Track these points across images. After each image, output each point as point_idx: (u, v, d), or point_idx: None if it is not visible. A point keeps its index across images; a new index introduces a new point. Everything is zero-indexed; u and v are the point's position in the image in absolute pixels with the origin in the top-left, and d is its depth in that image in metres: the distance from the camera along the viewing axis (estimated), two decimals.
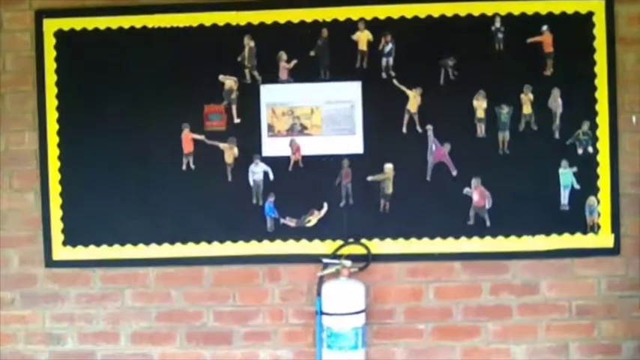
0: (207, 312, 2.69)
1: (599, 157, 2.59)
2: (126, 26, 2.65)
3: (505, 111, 2.59)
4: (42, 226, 2.68)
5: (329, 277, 2.57)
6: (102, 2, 2.66)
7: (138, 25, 2.64)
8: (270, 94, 2.64)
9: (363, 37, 2.60)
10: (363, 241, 2.61)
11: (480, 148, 2.60)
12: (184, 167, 2.64)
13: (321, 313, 2.53)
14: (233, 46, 2.62)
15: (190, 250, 2.65)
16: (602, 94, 2.57)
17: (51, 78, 2.66)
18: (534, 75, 2.58)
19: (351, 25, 2.61)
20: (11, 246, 2.71)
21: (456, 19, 2.58)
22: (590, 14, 2.57)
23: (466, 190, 2.60)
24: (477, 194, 2.60)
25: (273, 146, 2.64)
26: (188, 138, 2.64)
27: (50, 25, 2.66)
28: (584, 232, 2.59)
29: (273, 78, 2.63)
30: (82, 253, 2.67)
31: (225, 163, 2.63)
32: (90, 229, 2.66)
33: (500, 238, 2.60)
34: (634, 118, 2.59)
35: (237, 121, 2.64)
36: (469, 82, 2.59)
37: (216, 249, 2.64)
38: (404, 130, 2.61)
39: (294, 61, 2.61)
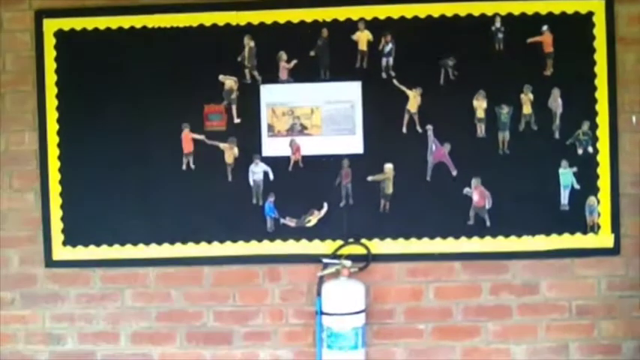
0: (207, 312, 2.69)
1: (599, 157, 2.59)
2: (126, 26, 2.65)
3: (505, 111, 2.59)
4: (42, 226, 2.68)
5: (329, 277, 2.57)
6: (102, 2, 2.66)
7: (138, 25, 2.64)
8: (270, 94, 2.64)
9: (363, 37, 2.60)
10: (363, 241, 2.61)
11: (480, 148, 2.60)
12: (184, 167, 2.64)
13: (321, 313, 2.53)
14: (233, 46, 2.62)
15: (190, 250, 2.65)
16: (602, 94, 2.57)
17: (51, 78, 2.66)
18: (534, 75, 2.59)
19: (351, 25, 2.61)
20: (11, 246, 2.71)
21: (456, 19, 2.58)
22: (590, 14, 2.57)
23: (466, 190, 2.60)
24: (477, 194, 2.60)
25: (273, 146, 2.64)
26: (188, 138, 2.64)
27: (50, 25, 2.66)
28: (584, 232, 2.59)
29: (273, 78, 2.63)
30: (82, 253, 2.67)
31: (226, 163, 2.63)
32: (90, 229, 2.66)
33: (500, 238, 2.60)
34: (634, 118, 2.59)
35: (237, 121, 2.64)
36: (469, 82, 2.59)
37: (216, 249, 2.65)
38: (404, 130, 2.61)
39: (294, 61, 2.61)
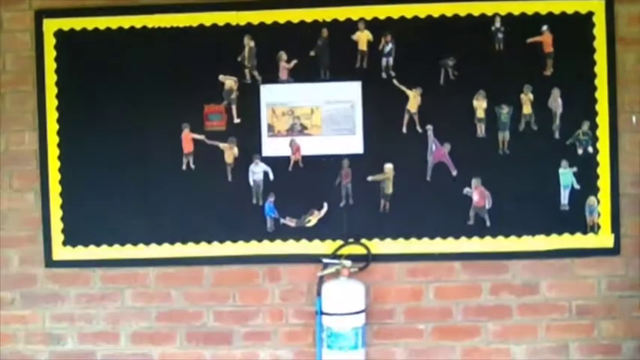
0: (207, 312, 2.69)
1: (599, 157, 2.59)
2: (126, 26, 2.65)
3: (505, 111, 2.59)
4: (42, 226, 2.68)
5: (329, 277, 2.57)
6: (102, 2, 2.66)
7: (138, 25, 2.64)
8: (270, 94, 2.64)
9: (363, 37, 2.60)
10: (363, 241, 2.61)
11: (480, 148, 2.60)
12: (184, 167, 2.64)
13: (321, 313, 2.53)
14: (233, 46, 2.62)
15: (190, 250, 2.65)
16: (602, 94, 2.57)
17: (51, 78, 2.66)
18: (534, 75, 2.59)
19: (351, 25, 2.61)
20: (11, 246, 2.71)
21: (456, 19, 2.58)
22: (590, 14, 2.57)
23: (466, 190, 2.60)
24: (477, 194, 2.60)
25: (273, 146, 2.64)
26: (188, 138, 2.64)
27: (50, 25, 2.66)
28: (584, 232, 2.59)
29: (273, 78, 2.63)
30: (82, 253, 2.67)
31: (225, 163, 2.63)
32: (90, 229, 2.66)
33: (500, 238, 2.60)
34: (634, 118, 2.59)
35: (237, 121, 2.64)
36: (469, 82, 2.59)
37: (216, 249, 2.64)
38: (404, 130, 2.61)
39: (294, 61, 2.61)
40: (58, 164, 2.66)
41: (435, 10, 2.59)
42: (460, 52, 2.58)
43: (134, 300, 2.70)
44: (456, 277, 2.64)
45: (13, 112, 2.69)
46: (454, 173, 2.60)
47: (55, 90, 2.66)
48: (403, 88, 2.60)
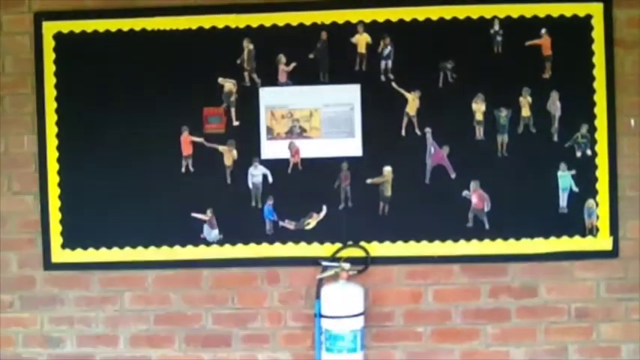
0: (205, 315, 2.68)
1: (597, 160, 2.59)
2: (125, 29, 2.65)
3: (504, 114, 2.60)
4: (41, 229, 2.67)
5: (328, 279, 2.57)
6: (101, 5, 2.66)
7: (137, 28, 2.64)
8: (270, 97, 2.64)
9: (362, 40, 2.60)
10: (362, 243, 2.61)
11: (478, 150, 2.60)
12: (183, 170, 2.64)
13: (320, 315, 2.53)
14: (232, 48, 2.62)
15: (189, 252, 2.65)
16: (600, 97, 2.58)
17: (50, 81, 2.66)
18: (533, 78, 2.59)
19: (350, 28, 2.61)
20: (10, 249, 2.70)
21: (454, 22, 2.59)
22: (589, 17, 2.58)
23: (465, 192, 2.61)
24: (476, 197, 2.60)
25: (272, 149, 2.64)
26: (187, 140, 2.64)
27: (49, 28, 2.66)
28: (583, 235, 2.59)
29: (272, 81, 2.63)
30: (80, 255, 2.67)
31: (225, 166, 2.63)
32: (89, 231, 2.66)
33: (499, 240, 2.61)
34: (632, 121, 2.60)
35: (236, 123, 2.64)
36: (468, 85, 2.59)
37: (214, 252, 2.64)
38: (403, 132, 2.61)
39: (293, 64, 2.62)
40: (57, 167, 2.66)
41: (434, 13, 2.59)
42: (459, 55, 2.59)
43: (133, 303, 2.69)
44: (455, 280, 2.64)
45: (12, 114, 2.69)
46: (453, 176, 2.61)
47: (55, 93, 2.66)
48: (402, 90, 2.60)
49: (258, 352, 2.68)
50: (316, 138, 2.63)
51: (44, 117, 2.66)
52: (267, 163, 2.63)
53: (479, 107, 2.60)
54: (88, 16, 2.65)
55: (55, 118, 2.66)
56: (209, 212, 2.62)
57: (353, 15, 2.61)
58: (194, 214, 2.63)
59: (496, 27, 2.58)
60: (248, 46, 2.63)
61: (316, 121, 2.64)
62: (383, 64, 2.61)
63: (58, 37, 2.66)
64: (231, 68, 2.62)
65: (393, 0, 2.59)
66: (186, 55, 2.64)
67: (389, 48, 2.60)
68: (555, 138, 2.59)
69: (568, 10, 2.58)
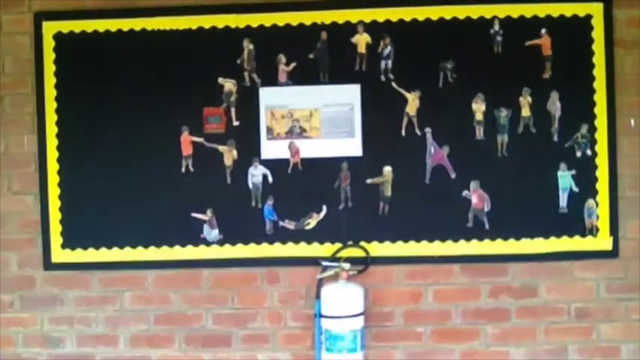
0: (205, 315, 2.69)
1: (597, 160, 2.59)
2: (125, 29, 2.65)
3: (504, 114, 2.60)
4: (41, 229, 2.67)
5: (328, 279, 2.57)
6: (101, 5, 2.66)
7: (137, 28, 2.64)
8: (270, 97, 2.64)
9: (362, 40, 2.60)
10: (362, 243, 2.61)
11: (478, 150, 2.60)
12: (183, 170, 2.64)
13: (320, 315, 2.53)
14: (232, 48, 2.62)
15: (189, 252, 2.65)
16: (600, 97, 2.58)
17: (50, 80, 2.66)
18: (533, 78, 2.59)
19: (350, 28, 2.61)
20: (10, 249, 2.70)
21: (454, 22, 2.59)
22: (589, 17, 2.58)
23: (465, 192, 2.61)
24: (476, 197, 2.60)
25: (272, 149, 2.64)
26: (187, 140, 2.64)
27: (49, 28, 2.66)
28: (583, 235, 2.59)
29: (272, 81, 2.63)
30: (80, 255, 2.67)
31: (225, 166, 2.63)
32: (89, 231, 2.66)
33: (499, 240, 2.61)
34: (632, 121, 2.60)
35: (236, 123, 2.64)
36: (468, 85, 2.59)
37: (214, 252, 2.64)
38: (403, 132, 2.61)
39: (293, 64, 2.62)
40: (57, 167, 2.66)
41: (434, 13, 2.59)
42: (459, 55, 2.59)
43: (133, 303, 2.69)
44: (455, 280, 2.64)
45: (12, 114, 2.69)
46: (453, 176, 2.61)
47: (55, 92, 2.66)
48: (402, 90, 2.60)
49: (258, 352, 2.68)
50: (316, 138, 2.63)
51: (44, 117, 2.66)
52: (267, 163, 2.63)
53: (479, 107, 2.60)
54: (88, 16, 2.65)
55: (55, 118, 2.66)
56: (209, 212, 2.63)
57: (353, 15, 2.61)
58: (194, 214, 2.63)
59: (496, 27, 2.58)
60: (248, 46, 2.63)
61: (316, 121, 2.64)
62: (383, 64, 2.61)
63: (58, 37, 2.66)
64: (231, 68, 2.62)
65: (393, 0, 2.60)
66: (186, 55, 2.64)
67: (389, 48, 2.60)
68: (555, 138, 2.59)
69: (568, 10, 2.58)
